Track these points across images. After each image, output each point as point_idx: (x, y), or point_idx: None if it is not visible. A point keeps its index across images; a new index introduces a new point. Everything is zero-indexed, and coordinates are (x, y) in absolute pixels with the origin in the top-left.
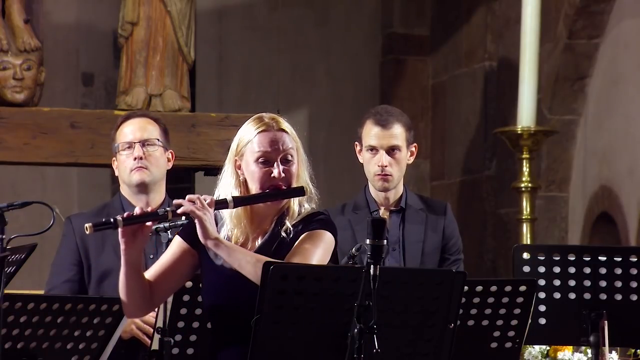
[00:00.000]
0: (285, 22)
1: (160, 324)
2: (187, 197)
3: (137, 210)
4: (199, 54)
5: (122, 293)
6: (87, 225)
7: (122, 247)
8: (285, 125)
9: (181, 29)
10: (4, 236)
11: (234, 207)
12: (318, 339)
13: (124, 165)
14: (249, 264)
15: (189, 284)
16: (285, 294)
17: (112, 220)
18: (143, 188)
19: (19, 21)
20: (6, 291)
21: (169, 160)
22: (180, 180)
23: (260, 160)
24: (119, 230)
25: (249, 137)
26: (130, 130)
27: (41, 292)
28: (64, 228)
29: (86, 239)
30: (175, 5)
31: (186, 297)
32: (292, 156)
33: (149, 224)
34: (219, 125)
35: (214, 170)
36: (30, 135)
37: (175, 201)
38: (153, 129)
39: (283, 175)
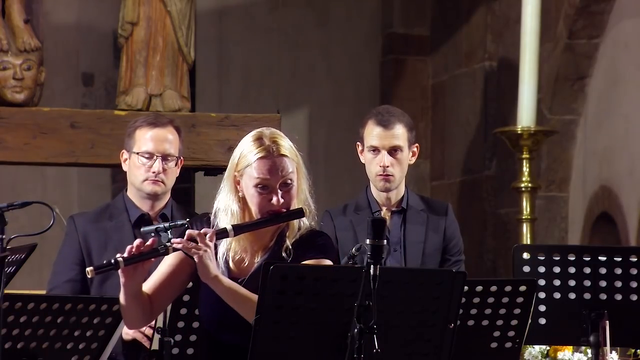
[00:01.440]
0: (285, 22)
1: (160, 324)
2: (187, 232)
3: (136, 243)
4: (199, 54)
5: (122, 310)
6: (88, 269)
7: (122, 280)
8: (285, 148)
9: (181, 29)
10: (4, 236)
11: (235, 235)
12: (318, 339)
13: (139, 172)
14: (246, 305)
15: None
16: (285, 294)
17: (112, 261)
18: (153, 197)
19: (19, 21)
20: (6, 291)
21: (177, 165)
22: (181, 180)
23: (259, 186)
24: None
25: (248, 161)
26: (153, 140)
27: (41, 292)
28: (67, 227)
29: (89, 239)
30: (175, 5)
31: (186, 297)
32: (291, 180)
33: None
34: (219, 125)
35: (214, 170)
36: (30, 135)
37: (174, 240)
38: (174, 140)
39: (282, 200)
